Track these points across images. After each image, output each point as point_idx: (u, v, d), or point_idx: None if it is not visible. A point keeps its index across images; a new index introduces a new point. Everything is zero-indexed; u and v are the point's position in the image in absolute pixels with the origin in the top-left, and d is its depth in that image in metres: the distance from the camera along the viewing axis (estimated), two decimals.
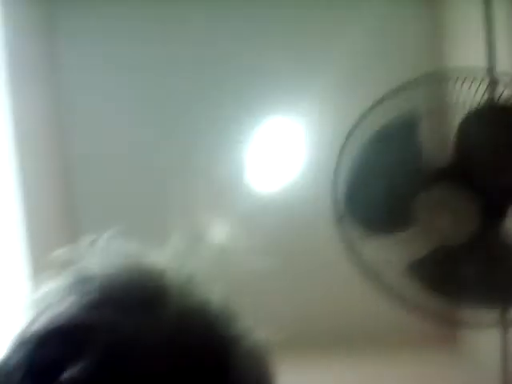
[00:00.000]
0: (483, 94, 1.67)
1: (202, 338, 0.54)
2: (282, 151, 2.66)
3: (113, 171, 2.79)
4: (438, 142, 1.65)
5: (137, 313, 0.53)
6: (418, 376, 2.41)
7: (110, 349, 0.51)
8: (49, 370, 0.51)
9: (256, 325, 0.59)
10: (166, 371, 0.51)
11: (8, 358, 0.56)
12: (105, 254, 0.59)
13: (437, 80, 1.70)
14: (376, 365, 2.49)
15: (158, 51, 2.70)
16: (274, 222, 2.61)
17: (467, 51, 2.34)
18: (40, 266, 2.48)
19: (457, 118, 1.65)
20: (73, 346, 0.52)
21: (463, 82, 1.69)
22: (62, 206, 2.84)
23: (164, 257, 0.60)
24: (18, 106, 2.49)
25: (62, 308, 0.55)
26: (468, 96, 1.67)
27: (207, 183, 2.65)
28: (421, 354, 2.56)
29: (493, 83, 1.69)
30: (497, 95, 1.68)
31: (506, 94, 1.67)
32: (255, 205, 2.65)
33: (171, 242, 0.61)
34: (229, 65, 2.66)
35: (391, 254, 1.72)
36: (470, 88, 1.68)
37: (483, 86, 1.68)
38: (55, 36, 2.77)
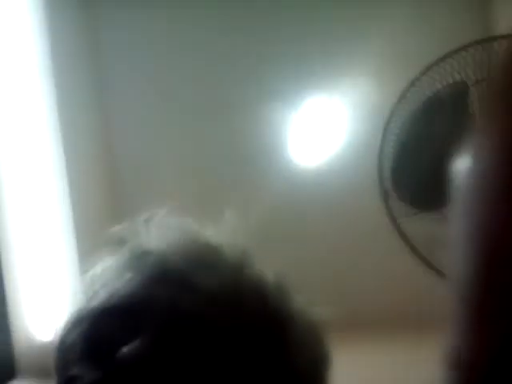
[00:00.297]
0: None
1: (258, 313, 0.53)
2: (328, 125, 2.65)
3: (160, 150, 2.83)
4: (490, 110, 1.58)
5: (194, 289, 0.52)
6: None
7: (167, 325, 0.51)
8: (106, 347, 0.51)
9: (310, 301, 0.58)
10: (223, 346, 0.51)
11: (66, 335, 0.56)
12: (160, 231, 0.58)
13: (487, 47, 1.63)
14: (424, 347, 2.43)
15: (195, 38, 2.73)
16: (318, 197, 2.59)
17: None
18: (88, 244, 2.51)
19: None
20: (131, 323, 0.52)
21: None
22: (107, 184, 2.89)
23: (219, 233, 0.59)
24: (61, 88, 2.55)
25: (119, 285, 0.54)
26: None
27: (253, 158, 2.66)
28: None
29: None
30: None
31: None
32: (300, 178, 2.64)
33: (225, 218, 0.60)
34: (274, 40, 2.64)
35: (439, 231, 1.66)
36: None
37: None
38: (98, 35, 2.83)
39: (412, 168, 1.64)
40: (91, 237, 2.75)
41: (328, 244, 2.66)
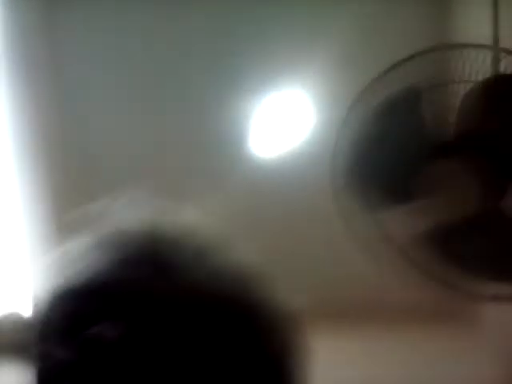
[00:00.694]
0: (487, 68, 1.65)
1: (231, 298, 0.54)
2: (285, 122, 2.68)
3: (122, 139, 2.81)
4: (442, 115, 1.63)
5: (167, 272, 0.53)
6: (433, 350, 2.41)
7: (139, 308, 0.51)
8: (79, 325, 0.51)
9: (281, 288, 0.59)
10: (194, 330, 0.51)
11: (39, 312, 0.56)
12: (135, 212, 0.59)
13: (441, 53, 1.68)
14: (388, 339, 2.49)
15: (164, 31, 2.71)
16: (274, 191, 2.62)
17: (472, 25, 2.31)
18: (63, 223, 2.49)
19: (460, 92, 1.63)
20: (103, 302, 0.52)
21: (467, 56, 1.67)
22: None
23: (194, 217, 0.59)
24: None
25: (93, 264, 0.54)
26: (472, 70, 1.65)
27: (215, 149, 2.67)
28: (435, 328, 2.56)
29: (496, 58, 1.68)
30: (500, 69, 1.66)
31: (509, 68, 1.65)
32: (258, 171, 2.65)
33: (197, 202, 0.60)
34: (234, 35, 2.66)
35: (391, 229, 1.71)
36: (473, 62, 1.66)
37: (487, 61, 1.66)
38: (55, 35, 2.79)
39: (365, 166, 1.69)
40: (59, 214, 2.70)
41: (284, 236, 2.69)
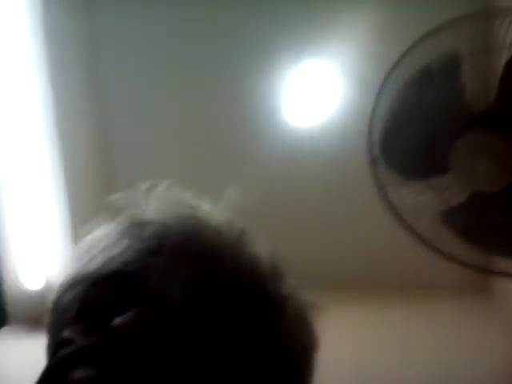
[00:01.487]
0: None
1: (251, 295, 0.53)
2: (322, 89, 2.65)
3: (154, 122, 2.84)
4: (481, 84, 1.58)
5: (191, 264, 0.52)
6: (449, 323, 2.40)
7: (162, 299, 0.50)
8: (100, 312, 0.51)
9: (301, 285, 0.58)
10: (214, 325, 0.50)
11: (61, 296, 0.56)
12: (160, 203, 0.58)
13: (482, 19, 1.62)
14: (407, 311, 2.49)
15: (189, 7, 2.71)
16: (309, 160, 2.61)
17: None
18: (79, 202, 2.56)
19: (502, 60, 1.58)
20: (125, 290, 0.51)
21: (510, 23, 1.61)
22: (100, 157, 2.91)
23: (219, 210, 0.58)
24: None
25: (117, 252, 0.54)
26: None
27: (250, 118, 2.68)
28: (452, 301, 2.55)
29: None
30: None
31: None
32: (293, 140, 2.66)
33: (225, 195, 0.60)
34: (268, 8, 2.64)
35: (425, 200, 1.68)
36: None
37: None
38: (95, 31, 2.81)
39: (401, 137, 1.65)
40: (83, 197, 2.79)
41: (317, 207, 2.69)
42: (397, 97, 1.63)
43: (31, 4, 2.46)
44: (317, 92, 2.65)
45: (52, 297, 0.57)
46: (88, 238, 0.58)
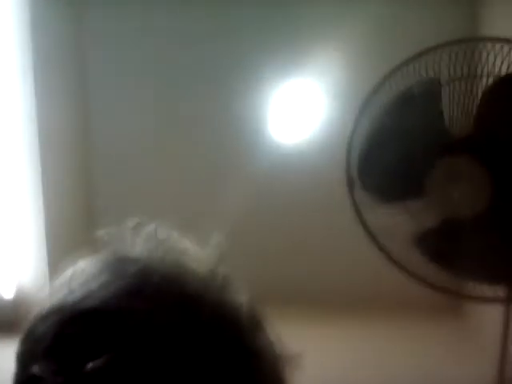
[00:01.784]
0: (511, 63, 1.61)
1: (229, 347, 0.52)
2: (302, 109, 2.68)
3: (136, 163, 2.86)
4: (460, 110, 1.59)
5: (172, 309, 0.51)
6: (420, 345, 2.41)
7: (139, 341, 0.49)
8: (73, 351, 0.50)
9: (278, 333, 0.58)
10: (191, 377, 0.49)
11: (34, 326, 0.54)
12: (148, 240, 0.56)
13: (464, 46, 1.64)
14: (378, 332, 2.50)
15: (179, 23, 2.72)
16: (291, 176, 2.64)
17: (497, 19, 2.26)
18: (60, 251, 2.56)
19: (481, 88, 1.60)
20: (101, 329, 0.50)
21: (491, 50, 1.63)
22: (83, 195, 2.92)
23: (204, 252, 0.57)
24: (43, 102, 2.57)
25: (96, 287, 0.52)
26: (495, 65, 1.61)
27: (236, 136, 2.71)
28: (423, 324, 2.56)
29: None
30: None
31: None
32: (276, 155, 2.68)
33: (211, 241, 0.58)
34: (255, 26, 2.68)
35: (399, 223, 1.69)
36: (497, 56, 1.62)
37: (511, 55, 1.61)
38: (82, 34, 2.82)
39: (379, 158, 1.66)
40: (59, 206, 2.76)
41: (293, 225, 2.70)
42: (376, 118, 1.64)
43: (19, 7, 2.45)
44: (300, 110, 2.69)
45: (25, 326, 0.55)
46: (69, 269, 0.56)
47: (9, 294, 2.65)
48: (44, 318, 0.54)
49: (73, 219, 2.76)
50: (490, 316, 2.10)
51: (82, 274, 0.55)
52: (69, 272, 0.56)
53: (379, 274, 2.06)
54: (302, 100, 2.68)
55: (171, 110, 2.80)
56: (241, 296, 0.56)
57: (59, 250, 2.64)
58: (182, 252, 0.56)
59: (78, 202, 2.84)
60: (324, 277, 2.68)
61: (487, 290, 1.68)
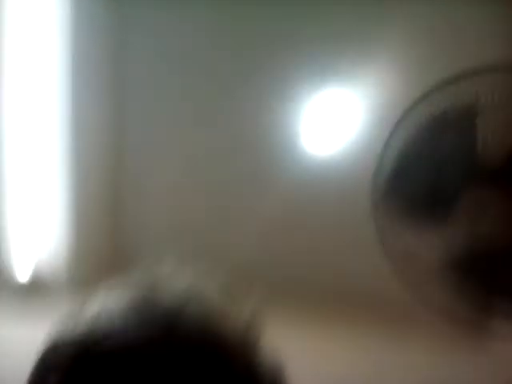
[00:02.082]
0: None
1: (237, 377, 0.52)
2: (335, 123, 2.66)
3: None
4: (497, 139, 1.53)
5: (197, 372, 0.50)
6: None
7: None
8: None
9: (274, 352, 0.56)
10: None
11: (52, 353, 0.53)
12: (178, 287, 0.56)
13: (503, 71, 1.58)
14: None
15: (206, 36, 2.75)
16: (320, 189, 2.61)
17: None
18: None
19: None
20: (118, 375, 0.49)
21: None
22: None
23: (234, 310, 0.56)
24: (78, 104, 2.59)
25: (120, 328, 0.51)
26: None
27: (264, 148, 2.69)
28: (441, 353, 2.50)
29: None
30: None
31: None
32: (307, 167, 2.66)
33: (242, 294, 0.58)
34: (294, 35, 2.65)
35: (423, 248, 1.64)
36: None
37: None
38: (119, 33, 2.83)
39: (408, 181, 1.62)
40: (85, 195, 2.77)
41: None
42: (408, 140, 1.59)
43: (61, 5, 2.47)
44: (333, 122, 2.66)
45: (40, 352, 0.54)
46: (96, 300, 0.56)
47: (24, 278, 2.67)
48: (60, 346, 0.53)
49: (96, 206, 2.78)
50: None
51: (107, 306, 0.54)
52: (95, 304, 0.55)
53: (395, 294, 2.01)
54: (337, 112, 2.64)
55: (206, 120, 2.81)
56: (267, 355, 0.55)
57: (78, 238, 2.68)
58: (212, 304, 0.55)
59: (103, 188, 2.86)
60: (339, 288, 2.65)
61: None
